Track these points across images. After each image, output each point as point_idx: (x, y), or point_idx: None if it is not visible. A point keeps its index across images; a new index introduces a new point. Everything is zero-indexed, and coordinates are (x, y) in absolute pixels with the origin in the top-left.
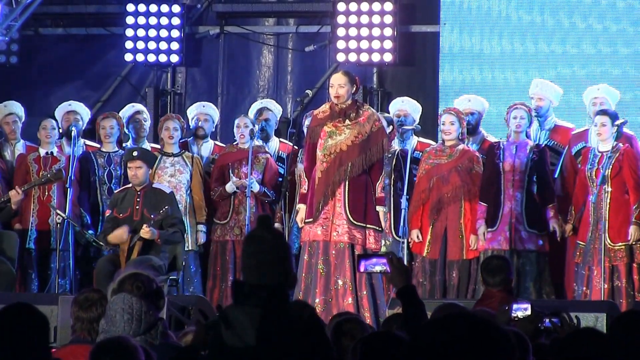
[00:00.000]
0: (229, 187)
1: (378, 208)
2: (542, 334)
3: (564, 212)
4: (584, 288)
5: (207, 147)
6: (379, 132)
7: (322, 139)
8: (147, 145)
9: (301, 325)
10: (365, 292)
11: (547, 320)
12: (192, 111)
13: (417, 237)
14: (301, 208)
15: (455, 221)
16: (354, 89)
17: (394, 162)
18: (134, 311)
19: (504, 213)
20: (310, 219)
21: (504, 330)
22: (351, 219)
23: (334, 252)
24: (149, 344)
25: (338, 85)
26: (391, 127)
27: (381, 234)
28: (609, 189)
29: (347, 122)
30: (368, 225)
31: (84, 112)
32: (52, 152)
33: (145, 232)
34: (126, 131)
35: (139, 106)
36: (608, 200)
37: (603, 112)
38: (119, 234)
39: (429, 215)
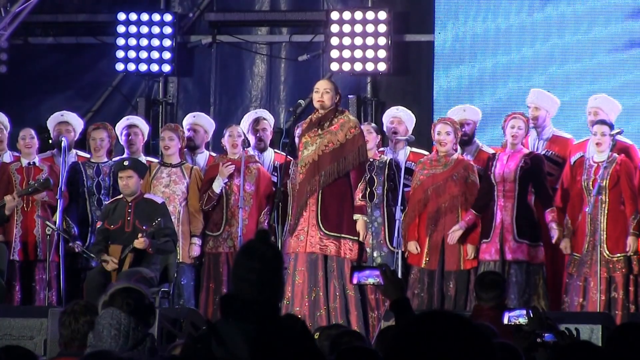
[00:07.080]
0: (217, 185)
1: (357, 216)
2: (537, 348)
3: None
4: (581, 299)
5: (202, 158)
6: (354, 139)
7: (300, 151)
8: (143, 159)
9: (294, 339)
10: (337, 304)
11: (545, 335)
12: (185, 122)
13: (416, 248)
14: None
15: None
16: (337, 98)
17: (386, 172)
18: (121, 327)
19: (496, 224)
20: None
21: (482, 331)
22: (323, 228)
23: (307, 263)
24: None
25: (324, 90)
26: (379, 136)
27: (358, 243)
28: (606, 200)
29: (319, 131)
30: (343, 235)
31: (77, 123)
32: (34, 163)
33: (140, 242)
34: (121, 142)
35: (133, 120)
36: (605, 211)
37: (602, 122)
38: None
39: (426, 226)
